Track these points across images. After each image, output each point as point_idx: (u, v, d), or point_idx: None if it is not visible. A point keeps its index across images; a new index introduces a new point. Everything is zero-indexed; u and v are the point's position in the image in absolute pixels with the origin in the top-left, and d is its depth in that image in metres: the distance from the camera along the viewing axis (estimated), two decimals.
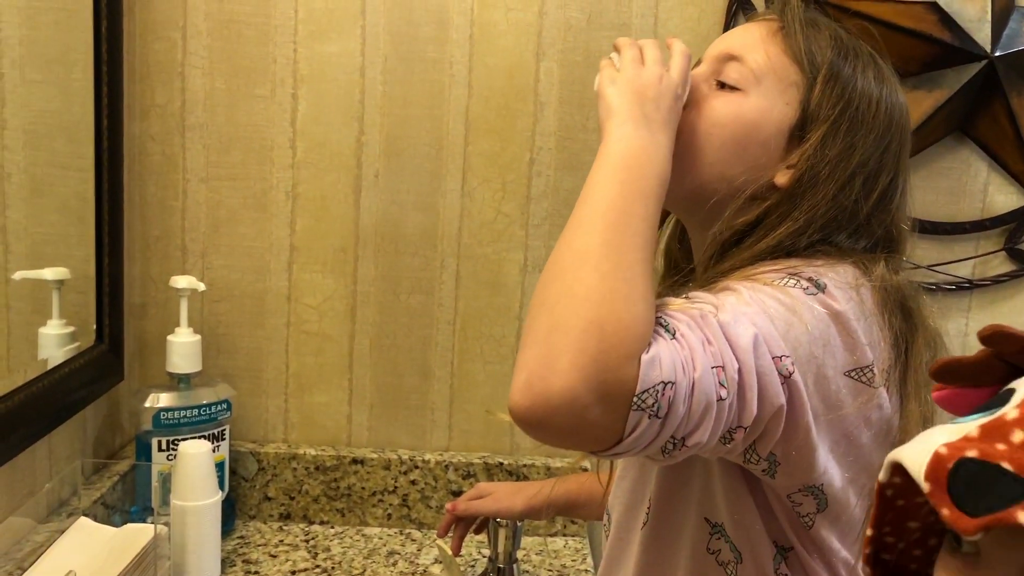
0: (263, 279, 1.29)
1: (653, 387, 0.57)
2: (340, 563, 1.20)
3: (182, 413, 1.17)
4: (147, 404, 1.16)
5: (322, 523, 1.31)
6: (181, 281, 1.18)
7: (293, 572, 1.16)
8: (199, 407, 1.18)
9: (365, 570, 1.18)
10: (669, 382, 0.58)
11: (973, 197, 1.26)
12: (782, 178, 0.73)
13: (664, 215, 0.82)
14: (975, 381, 0.49)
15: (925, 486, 0.44)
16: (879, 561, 0.53)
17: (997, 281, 1.27)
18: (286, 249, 1.28)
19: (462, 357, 1.31)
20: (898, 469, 0.48)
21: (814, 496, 0.69)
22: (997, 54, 1.18)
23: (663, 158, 0.69)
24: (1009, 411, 0.43)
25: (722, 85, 0.76)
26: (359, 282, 1.29)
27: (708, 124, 0.75)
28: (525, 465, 1.30)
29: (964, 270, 1.27)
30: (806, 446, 0.65)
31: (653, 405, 0.58)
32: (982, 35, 1.18)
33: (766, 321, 0.63)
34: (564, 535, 1.31)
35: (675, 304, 0.65)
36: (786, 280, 0.67)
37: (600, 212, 0.65)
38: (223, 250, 1.28)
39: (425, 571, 1.19)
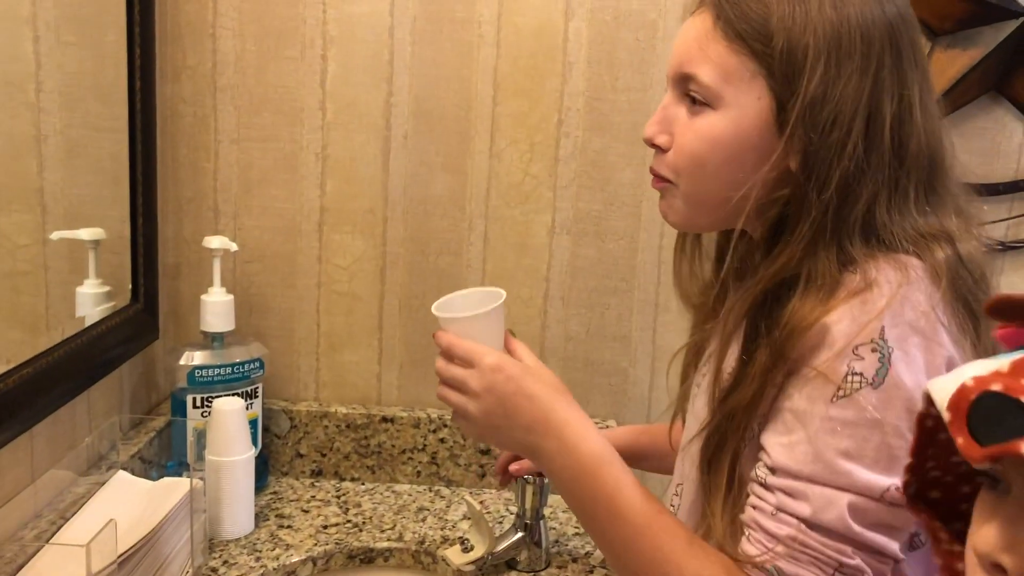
0: (294, 240, 1.31)
1: None
2: (371, 518, 1.22)
3: (216, 371, 1.19)
4: (182, 362, 1.19)
5: (353, 480, 1.33)
6: (214, 241, 1.20)
7: (325, 526, 1.19)
8: (232, 365, 1.20)
9: (395, 525, 1.20)
10: None
11: (1007, 158, 1.24)
12: (792, 162, 0.71)
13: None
14: None
15: (946, 415, 0.46)
16: (929, 501, 0.54)
17: None
18: (316, 210, 1.30)
19: None
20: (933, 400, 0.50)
21: None
22: None
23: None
24: None
25: (693, 100, 0.75)
26: (388, 243, 1.30)
27: (694, 159, 0.75)
28: None
29: (997, 232, 1.26)
30: None
31: None
32: None
33: (851, 468, 0.67)
34: None
35: (759, 531, 0.70)
36: (849, 378, 0.66)
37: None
38: (255, 211, 1.30)
39: (454, 526, 1.21)
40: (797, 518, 0.68)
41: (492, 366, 0.77)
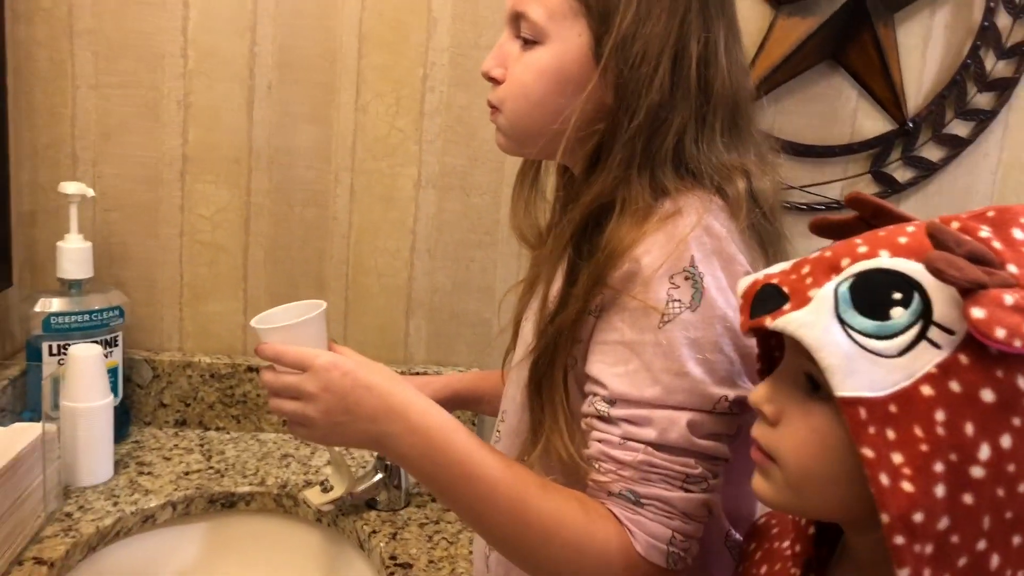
0: (155, 189, 1.29)
1: (671, 553, 0.72)
2: (234, 465, 1.23)
3: (73, 318, 1.18)
4: (37, 309, 1.17)
5: (218, 429, 1.34)
6: (70, 187, 1.18)
7: (186, 473, 1.20)
8: (90, 312, 1.19)
9: (258, 471, 1.22)
10: (676, 546, 0.73)
11: (843, 123, 1.33)
12: (608, 96, 0.77)
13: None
14: (844, 237, 0.59)
15: (739, 301, 0.61)
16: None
17: None
18: (178, 159, 1.29)
19: (356, 270, 1.34)
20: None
21: None
22: None
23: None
24: (815, 253, 0.58)
25: (525, 41, 0.80)
26: (253, 194, 1.31)
27: (521, 87, 0.80)
28: (417, 374, 1.35)
29: (833, 191, 1.35)
30: None
31: (680, 558, 0.73)
32: None
33: (686, 386, 0.73)
34: None
35: (608, 461, 0.74)
36: (670, 304, 0.73)
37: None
38: (115, 159, 1.28)
39: (317, 471, 1.23)
40: (644, 443, 0.73)
41: (326, 365, 0.76)
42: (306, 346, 0.79)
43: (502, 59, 0.82)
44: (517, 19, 0.80)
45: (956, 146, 1.34)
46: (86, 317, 1.19)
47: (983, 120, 1.33)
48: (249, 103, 1.28)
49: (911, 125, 1.32)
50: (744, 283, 0.61)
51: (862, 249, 0.55)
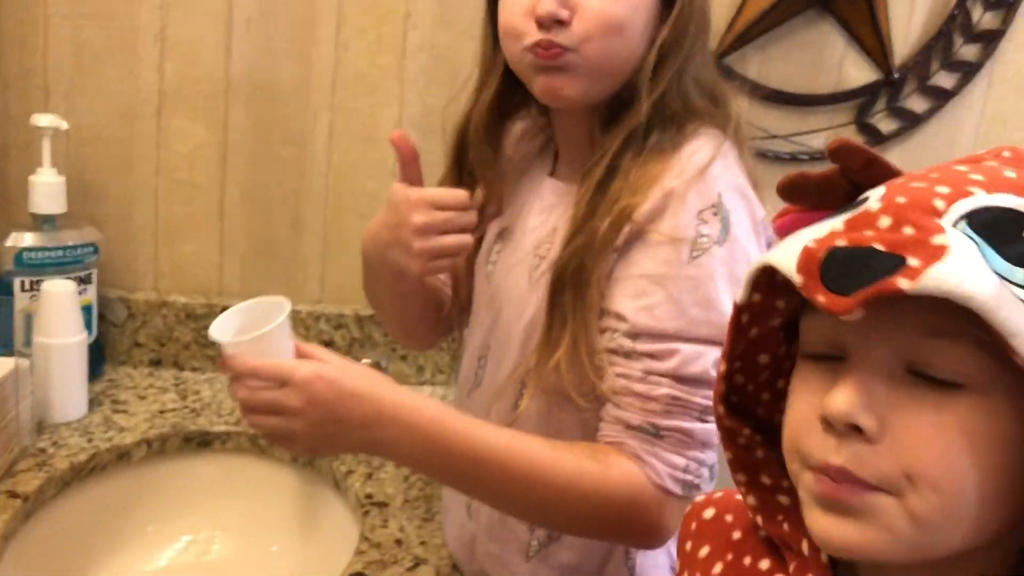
0: (131, 124, 1.27)
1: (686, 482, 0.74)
2: (210, 404, 1.23)
3: (45, 253, 1.16)
4: (8, 243, 1.15)
5: (193, 369, 1.33)
6: (43, 119, 1.15)
7: (162, 411, 1.19)
8: (63, 248, 1.17)
9: (233, 411, 1.21)
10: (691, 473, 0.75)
11: (829, 71, 1.32)
12: (660, 29, 0.79)
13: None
14: (819, 200, 0.50)
15: (798, 279, 0.44)
16: (729, 404, 0.54)
17: None
18: (155, 94, 1.26)
19: (335, 211, 1.33)
20: (760, 282, 0.49)
21: None
22: None
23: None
24: (872, 204, 0.45)
25: None
26: (230, 131, 1.28)
27: (612, 22, 0.78)
28: None
29: (817, 141, 1.34)
30: None
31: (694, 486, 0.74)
32: None
33: (711, 319, 0.73)
34: (432, 384, 1.36)
35: (631, 396, 0.75)
36: (700, 239, 0.74)
37: None
38: (89, 92, 1.25)
39: None
40: (666, 376, 0.74)
41: (308, 378, 0.73)
42: (275, 353, 0.75)
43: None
44: None
45: (941, 98, 1.33)
46: (59, 253, 1.17)
47: (968, 72, 1.32)
48: (227, 38, 1.25)
49: (897, 76, 1.31)
50: (786, 257, 0.46)
51: (943, 189, 0.44)
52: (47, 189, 1.16)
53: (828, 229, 0.45)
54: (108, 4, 1.22)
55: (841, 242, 0.43)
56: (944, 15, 1.30)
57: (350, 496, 1.08)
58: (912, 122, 1.34)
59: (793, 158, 1.33)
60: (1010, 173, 0.45)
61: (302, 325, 1.32)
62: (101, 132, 1.26)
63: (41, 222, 1.17)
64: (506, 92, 0.89)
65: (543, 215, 0.88)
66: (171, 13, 1.23)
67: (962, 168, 0.46)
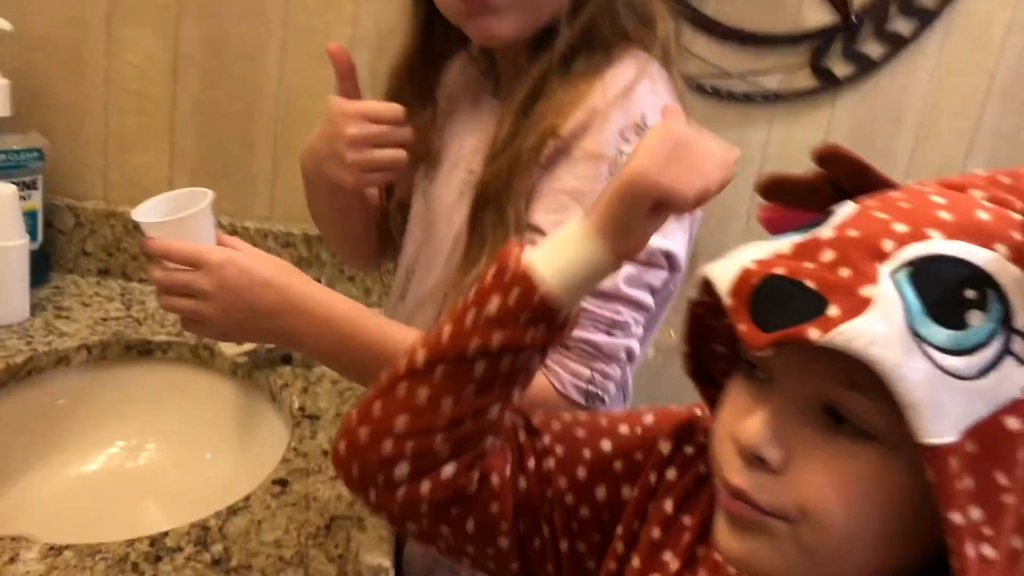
0: (81, 30, 1.25)
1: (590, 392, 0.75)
2: (153, 315, 1.24)
3: None
4: None
5: (140, 281, 1.34)
6: None
7: (104, 319, 1.20)
8: (6, 152, 1.17)
9: (177, 323, 1.22)
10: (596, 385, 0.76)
11: (786, 11, 1.32)
12: None
13: None
14: (803, 202, 0.48)
15: (728, 302, 0.44)
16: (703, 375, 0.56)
17: (800, 95, 1.35)
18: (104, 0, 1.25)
19: (286, 128, 1.32)
20: (707, 287, 0.48)
21: None
22: None
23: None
24: (824, 231, 0.43)
25: None
26: (181, 42, 1.27)
27: None
28: None
29: (771, 82, 1.34)
30: None
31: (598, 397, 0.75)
32: None
33: None
34: (380, 307, 1.38)
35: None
36: (620, 157, 0.74)
37: None
38: None
39: None
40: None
41: (220, 262, 0.75)
42: (195, 239, 0.77)
43: None
44: None
45: (897, 44, 1.33)
46: (2, 156, 1.16)
47: (926, 19, 1.32)
48: None
49: (855, 19, 1.31)
50: (723, 274, 0.45)
51: (900, 227, 0.42)
52: None
53: (775, 250, 0.45)
54: None
55: (780, 270, 0.43)
56: None
57: (284, 408, 1.10)
58: (867, 67, 1.34)
59: (747, 97, 1.33)
60: (983, 215, 0.43)
61: (250, 242, 1.32)
62: (48, 36, 1.25)
63: None
64: (439, 36, 0.91)
65: (479, 134, 0.89)
66: None
67: (938, 200, 0.44)
